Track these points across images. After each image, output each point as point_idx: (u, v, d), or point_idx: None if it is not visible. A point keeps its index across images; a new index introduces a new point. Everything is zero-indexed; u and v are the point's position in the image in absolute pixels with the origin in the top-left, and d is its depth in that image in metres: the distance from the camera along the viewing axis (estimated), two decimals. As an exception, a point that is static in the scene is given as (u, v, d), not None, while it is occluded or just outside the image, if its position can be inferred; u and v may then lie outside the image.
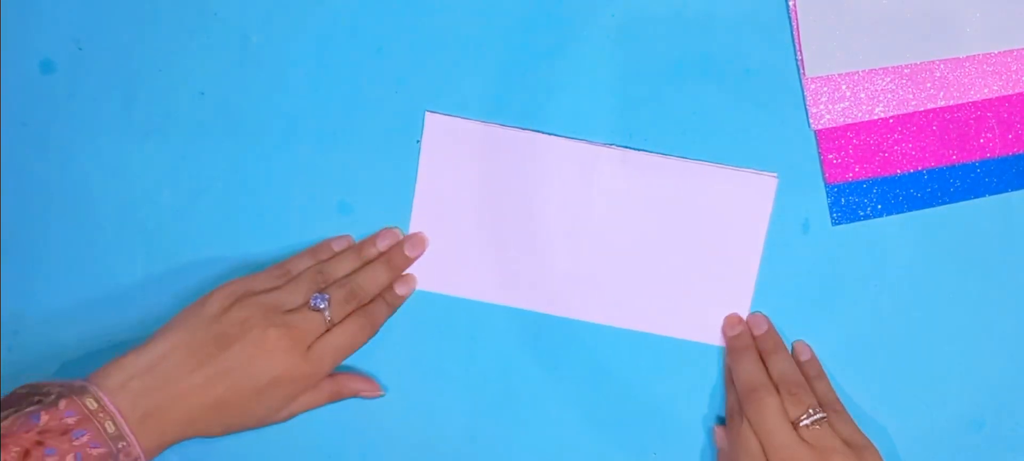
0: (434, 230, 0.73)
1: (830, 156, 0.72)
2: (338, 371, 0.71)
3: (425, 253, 0.73)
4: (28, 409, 0.61)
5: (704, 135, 0.72)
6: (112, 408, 0.63)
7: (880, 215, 0.72)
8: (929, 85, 0.71)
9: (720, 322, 0.72)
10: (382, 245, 0.72)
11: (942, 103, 0.71)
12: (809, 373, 0.70)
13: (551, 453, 0.73)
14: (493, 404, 0.73)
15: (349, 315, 0.70)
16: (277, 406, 0.68)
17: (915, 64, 0.71)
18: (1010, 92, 0.71)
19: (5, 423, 0.60)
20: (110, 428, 0.62)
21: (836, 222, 0.72)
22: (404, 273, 0.73)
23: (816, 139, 0.72)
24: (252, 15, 0.73)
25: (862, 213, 0.72)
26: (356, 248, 0.72)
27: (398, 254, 0.72)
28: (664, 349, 0.73)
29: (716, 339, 0.72)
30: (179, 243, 0.73)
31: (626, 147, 0.72)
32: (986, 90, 0.71)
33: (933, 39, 0.70)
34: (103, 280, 0.73)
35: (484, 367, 0.73)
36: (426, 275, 0.73)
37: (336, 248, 0.72)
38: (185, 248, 0.73)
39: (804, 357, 0.71)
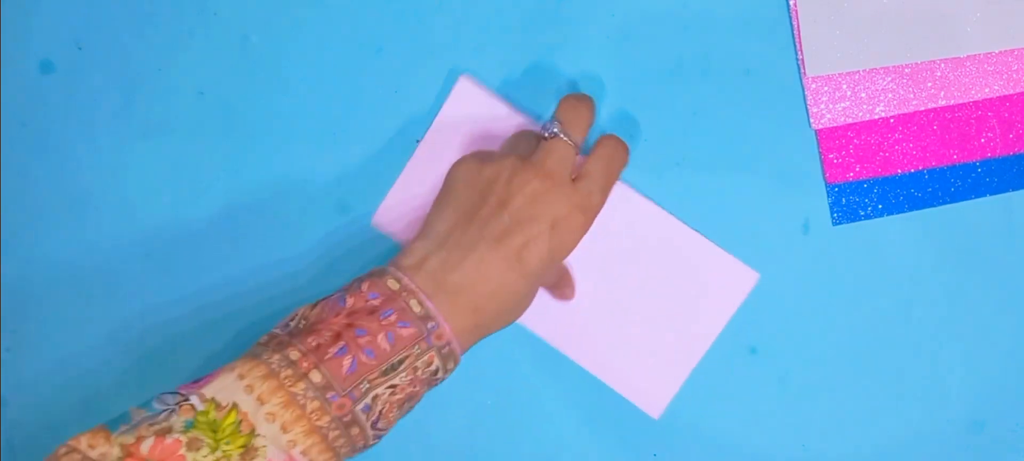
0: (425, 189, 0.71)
1: (830, 156, 0.71)
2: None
3: None
4: (334, 295, 0.61)
5: (704, 135, 0.72)
6: (413, 286, 0.61)
7: (881, 215, 0.72)
8: (930, 85, 0.71)
9: (651, 389, 0.71)
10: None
11: (943, 103, 0.71)
12: None
13: (551, 453, 0.73)
14: (493, 404, 0.73)
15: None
16: (570, 241, 0.64)
17: (915, 64, 0.71)
18: (1011, 92, 0.71)
19: (314, 311, 0.61)
20: (416, 308, 0.61)
21: (836, 222, 0.72)
22: None
23: (816, 139, 0.72)
24: (252, 15, 0.73)
25: (862, 213, 0.72)
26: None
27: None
28: (664, 349, 0.73)
29: (644, 403, 0.71)
30: (179, 243, 0.73)
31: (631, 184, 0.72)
32: (987, 90, 0.71)
33: (933, 39, 0.70)
34: (103, 280, 0.73)
35: (483, 367, 0.73)
36: None
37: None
38: (185, 248, 0.73)
39: None
